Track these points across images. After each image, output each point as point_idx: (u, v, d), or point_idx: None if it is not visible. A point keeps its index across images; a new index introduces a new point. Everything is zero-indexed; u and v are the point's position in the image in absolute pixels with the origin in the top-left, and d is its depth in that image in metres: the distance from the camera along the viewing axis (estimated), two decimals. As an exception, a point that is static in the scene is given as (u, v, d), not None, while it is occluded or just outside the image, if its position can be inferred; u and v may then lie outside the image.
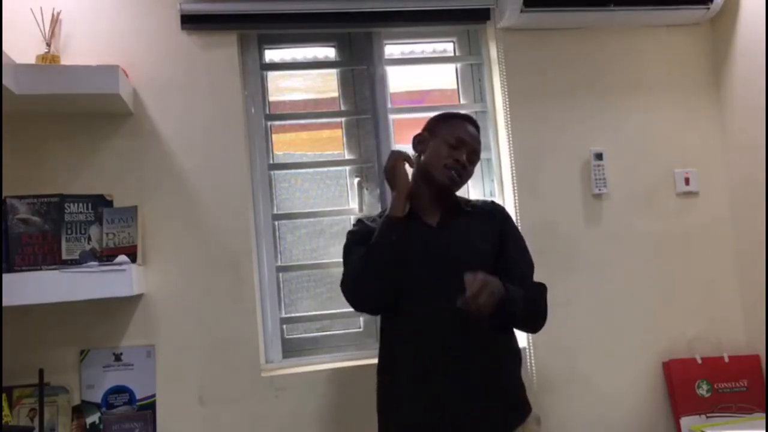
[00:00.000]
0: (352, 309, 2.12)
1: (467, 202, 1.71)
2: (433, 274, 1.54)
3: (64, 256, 1.80)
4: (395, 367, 1.58)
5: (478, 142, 1.67)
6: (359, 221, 1.71)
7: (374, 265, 1.52)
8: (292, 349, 2.12)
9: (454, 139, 1.61)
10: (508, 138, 2.19)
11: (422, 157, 1.65)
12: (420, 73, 2.37)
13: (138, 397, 1.89)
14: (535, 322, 1.62)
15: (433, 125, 1.69)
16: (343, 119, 2.25)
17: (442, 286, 1.50)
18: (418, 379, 1.52)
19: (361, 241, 1.59)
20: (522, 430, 1.56)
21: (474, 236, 1.61)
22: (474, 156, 1.64)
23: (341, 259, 1.65)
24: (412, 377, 1.53)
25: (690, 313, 2.23)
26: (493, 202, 1.80)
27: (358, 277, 1.55)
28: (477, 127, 1.69)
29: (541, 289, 1.63)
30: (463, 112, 1.79)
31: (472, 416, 1.50)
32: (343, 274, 1.61)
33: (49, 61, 1.86)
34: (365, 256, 1.54)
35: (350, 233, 1.67)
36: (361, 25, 2.20)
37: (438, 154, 1.61)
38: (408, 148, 1.70)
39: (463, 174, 1.62)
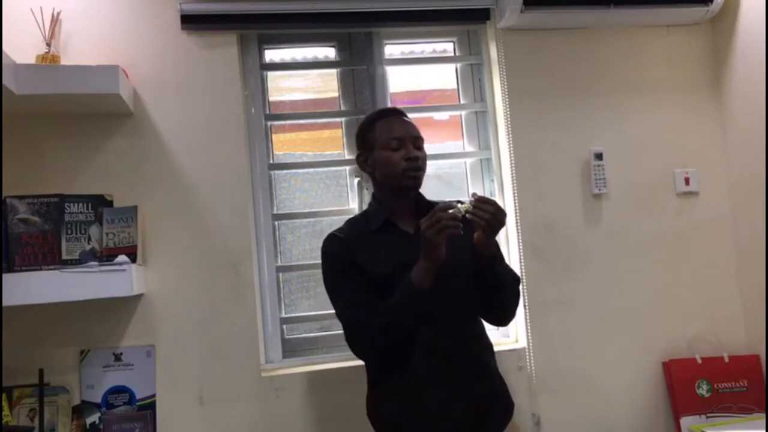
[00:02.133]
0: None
1: (434, 205, 1.63)
2: None
3: (64, 256, 1.80)
4: (392, 370, 1.56)
5: (413, 125, 1.63)
6: (331, 238, 1.62)
7: (398, 334, 1.48)
8: (292, 349, 2.12)
9: (392, 140, 1.58)
10: (508, 138, 2.19)
11: (376, 174, 1.62)
12: (420, 73, 2.37)
13: (138, 397, 1.89)
14: (515, 303, 1.63)
15: (363, 138, 1.65)
16: (343, 119, 2.25)
17: (435, 289, 1.48)
18: (415, 382, 1.51)
19: (342, 266, 1.56)
20: (511, 426, 1.59)
21: (455, 239, 1.55)
22: (419, 141, 1.61)
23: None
24: (410, 381, 1.52)
25: (690, 313, 2.23)
26: (459, 201, 1.76)
27: (379, 344, 1.49)
28: (400, 112, 1.66)
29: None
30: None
31: (474, 416, 1.50)
32: (350, 326, 1.52)
33: (49, 61, 1.86)
34: (388, 325, 1.46)
35: (327, 257, 1.60)
36: (361, 25, 2.20)
37: (389, 162, 1.58)
38: None
39: (422, 165, 1.59)
